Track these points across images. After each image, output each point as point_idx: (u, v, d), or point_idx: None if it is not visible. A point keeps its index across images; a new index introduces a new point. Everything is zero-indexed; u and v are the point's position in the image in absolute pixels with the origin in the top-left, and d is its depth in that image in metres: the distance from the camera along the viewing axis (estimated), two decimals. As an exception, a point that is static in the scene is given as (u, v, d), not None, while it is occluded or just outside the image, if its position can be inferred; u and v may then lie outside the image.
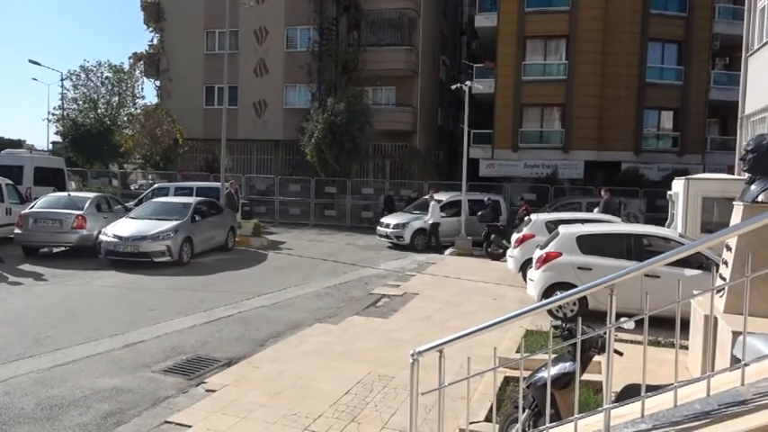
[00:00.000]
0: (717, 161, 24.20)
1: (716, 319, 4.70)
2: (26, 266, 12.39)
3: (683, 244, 8.03)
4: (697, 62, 25.60)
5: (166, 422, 5.01)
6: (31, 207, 14.11)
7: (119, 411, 5.23)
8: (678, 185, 12.15)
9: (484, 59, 29.49)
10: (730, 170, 17.11)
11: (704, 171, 21.04)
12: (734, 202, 5.25)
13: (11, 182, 15.86)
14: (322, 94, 27.04)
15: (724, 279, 5.07)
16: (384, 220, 18.88)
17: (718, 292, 4.95)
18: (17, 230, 13.61)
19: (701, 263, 8.29)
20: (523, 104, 26.62)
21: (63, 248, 14.19)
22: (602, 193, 16.84)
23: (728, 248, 5.17)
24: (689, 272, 8.08)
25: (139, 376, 6.14)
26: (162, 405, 5.42)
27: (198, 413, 5.18)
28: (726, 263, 5.19)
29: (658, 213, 19.14)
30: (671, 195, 13.06)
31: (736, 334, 4.07)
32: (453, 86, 20.80)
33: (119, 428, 4.90)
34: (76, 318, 8.42)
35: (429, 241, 17.61)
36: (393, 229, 17.87)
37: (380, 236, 18.37)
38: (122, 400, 5.48)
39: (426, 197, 19.23)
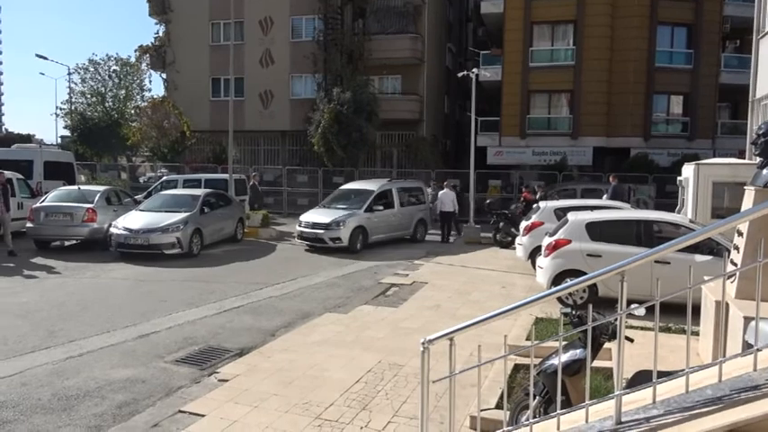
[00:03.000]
0: (727, 146, 23.94)
1: (727, 304, 4.67)
2: (39, 260, 12.53)
3: (693, 230, 7.98)
4: (707, 45, 25.23)
5: (180, 411, 5.08)
6: (42, 201, 14.24)
7: (133, 401, 5.30)
8: (688, 171, 12.05)
9: (490, 46, 29.23)
10: (741, 155, 16.92)
11: (715, 156, 20.86)
12: (745, 187, 5.20)
13: (21, 176, 15.99)
14: (328, 83, 26.97)
15: (735, 264, 5.04)
16: (306, 218, 15.19)
17: (730, 277, 4.92)
18: (29, 224, 13.75)
19: (712, 249, 8.25)
20: (531, 91, 26.40)
21: (74, 242, 14.33)
22: (611, 179, 16.70)
23: (740, 234, 5.13)
24: (700, 258, 8.04)
25: (153, 367, 6.21)
26: (175, 395, 5.49)
27: (211, 402, 5.24)
28: (737, 248, 5.15)
29: (668, 199, 19.01)
30: (681, 181, 12.96)
31: (747, 319, 4.05)
32: (460, 74, 20.69)
33: (133, 418, 4.97)
34: (89, 310, 8.51)
35: (444, 233, 16.94)
36: (324, 229, 14.38)
37: (303, 238, 14.89)
38: (136, 391, 5.55)
39: (354, 186, 16.84)
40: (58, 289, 9.90)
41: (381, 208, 15.50)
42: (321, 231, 14.44)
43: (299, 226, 15.17)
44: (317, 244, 14.48)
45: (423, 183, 18.87)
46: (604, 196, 15.74)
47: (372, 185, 16.19)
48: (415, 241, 16.30)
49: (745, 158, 13.73)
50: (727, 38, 26.83)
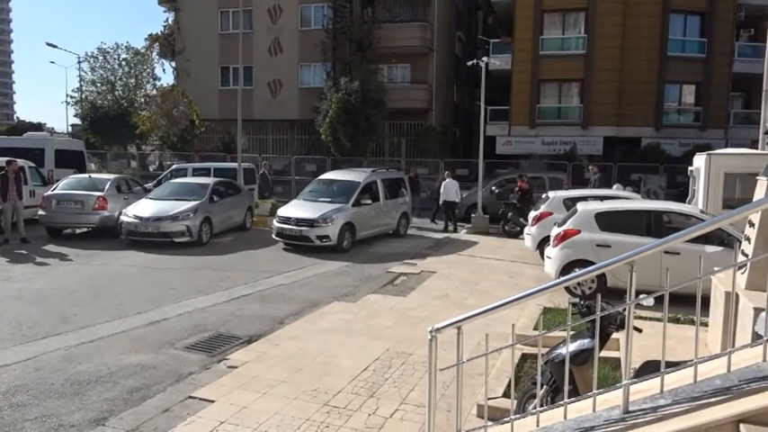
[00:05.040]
0: (740, 136, 23.69)
1: (737, 295, 4.65)
2: (51, 247, 12.66)
3: (703, 220, 7.93)
4: (720, 34, 24.86)
5: (190, 397, 5.14)
6: (54, 189, 14.36)
7: (144, 387, 5.37)
8: (699, 161, 11.94)
9: (500, 35, 28.96)
10: (754, 145, 16.72)
11: (727, 146, 20.64)
12: (757, 178, 5.16)
13: (33, 164, 16.13)
14: (337, 72, 26.88)
15: (746, 255, 5.01)
16: (285, 212, 13.52)
17: (740, 268, 4.89)
18: (41, 212, 13.88)
19: (723, 239, 8.19)
20: (541, 80, 26.19)
21: (85, 229, 14.46)
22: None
23: (751, 224, 5.09)
24: (710, 248, 7.99)
25: (163, 353, 6.28)
26: (186, 381, 5.56)
27: (221, 389, 5.30)
28: (748, 239, 5.12)
29: (679, 190, 18.86)
30: (692, 171, 12.85)
31: (757, 310, 4.04)
32: (469, 63, 20.54)
33: (144, 403, 5.04)
34: (101, 296, 8.61)
35: (447, 223, 17.01)
36: (309, 226, 12.80)
37: (282, 236, 13.28)
38: (147, 376, 5.62)
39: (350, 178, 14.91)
40: (69, 276, 10.01)
41: (369, 202, 14.30)
42: (306, 228, 12.80)
43: (277, 222, 13.44)
44: (301, 243, 12.90)
45: (404, 174, 18.21)
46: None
47: (356, 176, 14.72)
48: (398, 236, 15.34)
49: (757, 149, 13.56)
50: (741, 26, 26.41)
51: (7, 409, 4.84)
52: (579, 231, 9.02)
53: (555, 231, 9.50)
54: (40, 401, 5.00)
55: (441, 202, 17.31)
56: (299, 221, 13.02)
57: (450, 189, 16.98)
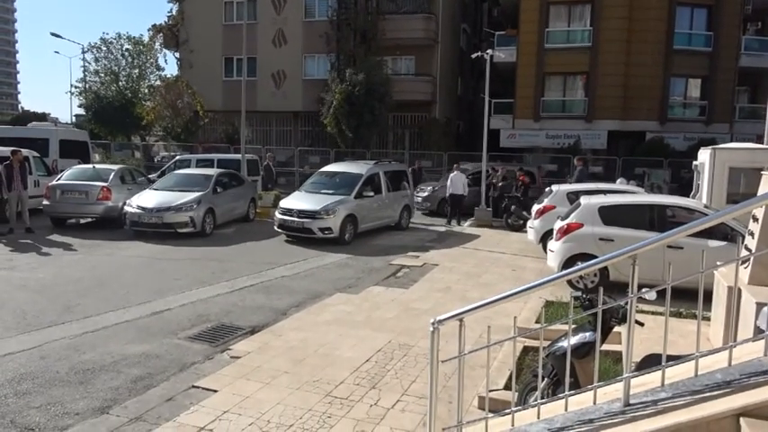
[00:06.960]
0: (745, 130, 23.57)
1: (739, 290, 4.65)
2: (55, 237, 12.71)
3: (707, 215, 7.91)
4: (727, 27, 24.68)
5: (193, 387, 5.17)
6: (58, 179, 14.41)
7: (148, 376, 5.41)
8: (704, 155, 11.89)
9: (506, 27, 28.82)
10: (759, 139, 16.64)
11: (732, 140, 20.54)
12: (762, 172, 5.13)
13: (38, 154, 16.17)
14: (341, 63, 26.80)
15: (749, 250, 5.00)
16: (287, 204, 13.49)
17: (743, 263, 4.88)
18: (45, 202, 13.94)
19: (726, 234, 8.17)
20: (546, 73, 26.07)
21: (89, 219, 14.51)
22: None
23: (755, 219, 5.08)
24: (713, 243, 7.97)
25: (167, 343, 6.32)
26: (189, 370, 5.59)
27: (224, 379, 5.33)
28: (752, 234, 5.10)
29: (683, 184, 18.81)
30: (696, 166, 12.80)
31: (760, 305, 4.03)
32: (474, 55, 20.43)
33: (148, 392, 5.08)
34: (105, 286, 8.65)
35: (450, 217, 17.01)
36: (311, 218, 12.77)
37: (284, 228, 13.26)
38: (151, 366, 5.66)
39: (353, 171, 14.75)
40: (73, 265, 10.06)
41: (372, 194, 14.16)
42: (308, 220, 12.76)
43: (279, 213, 13.41)
44: (303, 234, 12.89)
45: (407, 166, 18.11)
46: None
47: (358, 168, 14.69)
48: (401, 229, 15.33)
49: (762, 143, 13.50)
50: (748, 20, 26.22)
51: (12, 396, 4.89)
52: (582, 225, 9.01)
53: (558, 225, 9.49)
54: (45, 389, 5.04)
55: (447, 195, 17.28)
56: (301, 213, 12.96)
57: (456, 182, 16.94)
